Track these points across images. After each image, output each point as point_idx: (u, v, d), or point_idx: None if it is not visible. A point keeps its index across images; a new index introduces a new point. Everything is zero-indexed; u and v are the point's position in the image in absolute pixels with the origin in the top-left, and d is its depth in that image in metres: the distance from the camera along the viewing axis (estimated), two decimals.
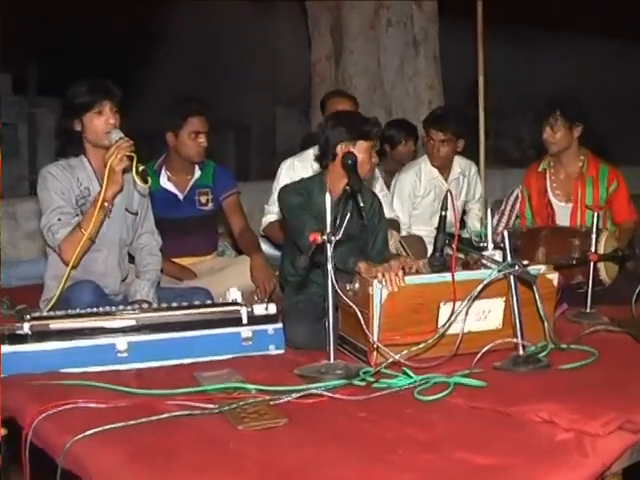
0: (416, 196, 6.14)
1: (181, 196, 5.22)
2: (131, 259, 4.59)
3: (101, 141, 4.19)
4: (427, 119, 6.13)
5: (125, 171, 4.11)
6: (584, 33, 15.57)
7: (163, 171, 5.23)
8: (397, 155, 6.88)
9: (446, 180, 6.14)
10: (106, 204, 4.07)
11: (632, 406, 2.81)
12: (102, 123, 4.17)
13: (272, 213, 5.52)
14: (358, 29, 8.70)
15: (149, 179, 4.16)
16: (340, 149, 4.13)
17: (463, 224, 6.17)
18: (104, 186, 4.03)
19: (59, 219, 4.13)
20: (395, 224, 5.60)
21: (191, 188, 5.26)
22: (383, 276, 3.44)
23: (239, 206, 5.42)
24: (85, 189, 4.25)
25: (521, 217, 5.69)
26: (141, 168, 4.09)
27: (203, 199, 5.28)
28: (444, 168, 6.15)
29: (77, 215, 4.17)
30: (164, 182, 5.21)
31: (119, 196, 4.26)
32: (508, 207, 5.90)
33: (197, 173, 5.29)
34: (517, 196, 5.79)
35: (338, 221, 3.39)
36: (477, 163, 6.72)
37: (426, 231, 5.92)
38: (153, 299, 4.30)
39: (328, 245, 3.28)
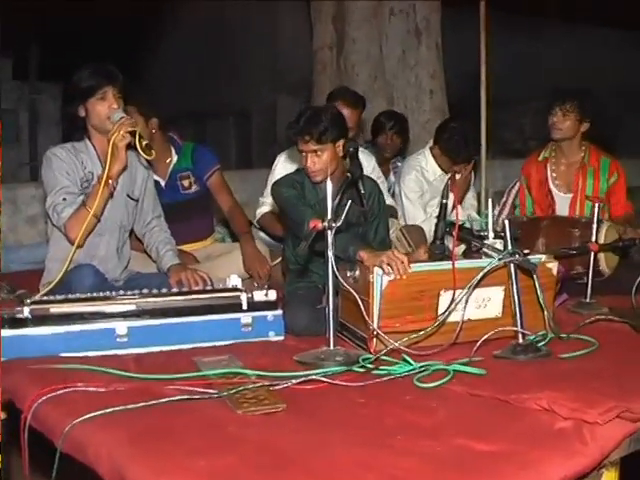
0: (425, 192, 6.09)
1: (163, 183, 5.18)
2: (136, 243, 4.61)
3: (105, 126, 4.20)
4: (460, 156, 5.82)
5: (129, 147, 4.14)
6: (588, 23, 15.55)
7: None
8: (379, 144, 6.84)
9: (447, 173, 6.08)
10: (110, 181, 4.10)
11: (631, 395, 2.80)
12: (105, 109, 4.19)
13: (266, 205, 5.49)
14: (361, 17, 8.69)
15: (153, 152, 4.18)
16: None
17: None
18: (108, 163, 4.05)
19: (64, 199, 4.17)
20: (393, 210, 5.58)
21: (171, 174, 5.24)
22: (389, 265, 3.45)
23: (223, 183, 5.37)
24: (89, 173, 4.28)
25: (521, 206, 5.66)
26: (145, 142, 4.11)
27: (185, 183, 5.26)
28: None
29: (82, 195, 4.20)
30: None
31: (121, 181, 4.29)
32: (510, 199, 5.88)
33: (175, 157, 5.27)
34: (519, 188, 5.77)
35: (339, 208, 3.39)
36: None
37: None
38: None
39: (329, 232, 3.29)
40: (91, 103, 4.22)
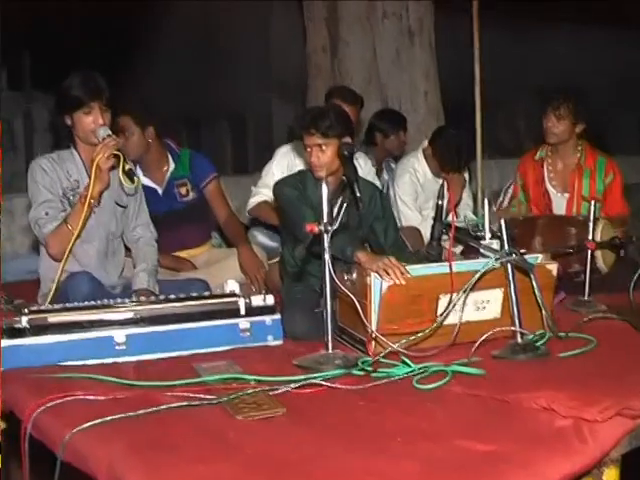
0: (419, 194, 6.06)
1: (160, 190, 5.17)
2: (128, 252, 4.60)
3: (89, 139, 4.23)
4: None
5: (112, 168, 4.16)
6: (582, 23, 15.52)
7: (137, 167, 5.07)
8: (389, 145, 6.89)
9: (435, 176, 6.05)
10: (92, 201, 4.11)
11: (630, 392, 2.80)
12: (90, 123, 4.20)
13: (260, 194, 5.41)
14: (353, 20, 8.68)
15: (135, 178, 4.24)
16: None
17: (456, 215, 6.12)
18: (91, 184, 4.08)
19: (46, 213, 4.19)
20: None
21: (168, 181, 5.21)
22: (386, 272, 3.45)
23: (220, 192, 5.36)
24: (75, 181, 4.29)
25: (515, 198, 5.66)
26: (127, 167, 4.17)
27: (183, 190, 5.23)
28: None
29: (64, 210, 4.22)
30: (141, 178, 5.09)
31: (108, 190, 4.28)
32: (506, 199, 5.88)
33: (172, 165, 5.24)
34: (513, 188, 5.77)
35: (335, 211, 3.39)
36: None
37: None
38: (153, 287, 4.33)
39: (325, 235, 3.29)
40: (77, 115, 4.22)
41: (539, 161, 5.51)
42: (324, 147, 4.03)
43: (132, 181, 4.22)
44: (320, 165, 4.03)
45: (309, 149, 4.08)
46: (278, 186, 4.28)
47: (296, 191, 4.16)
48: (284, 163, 5.36)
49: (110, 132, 4.17)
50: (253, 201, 5.47)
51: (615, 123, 15.18)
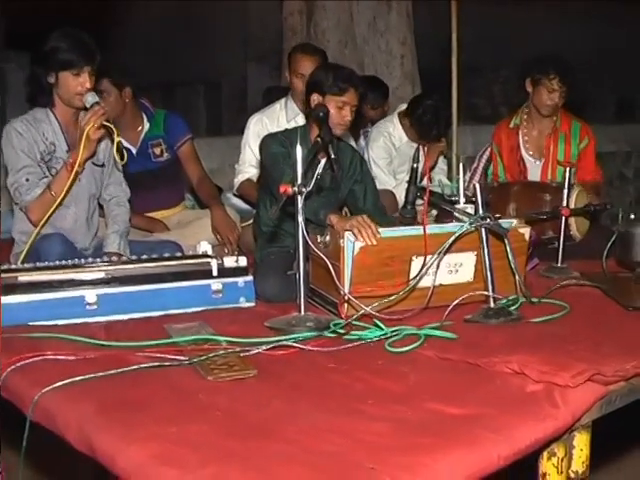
0: (393, 158, 6.06)
1: (134, 150, 5.12)
2: (101, 211, 4.56)
3: (73, 101, 4.14)
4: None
5: (101, 139, 4.12)
6: None
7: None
8: (374, 115, 6.85)
9: (415, 140, 6.05)
10: (78, 169, 4.06)
11: (602, 358, 2.81)
12: (77, 85, 4.09)
13: (244, 172, 5.44)
14: None
15: (125, 153, 4.16)
16: (312, 100, 4.14)
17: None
18: (80, 154, 4.02)
19: (27, 179, 4.12)
20: None
21: (143, 141, 5.19)
22: (359, 231, 3.43)
23: (194, 154, 5.34)
24: (50, 144, 4.21)
25: (493, 175, 5.64)
26: (117, 140, 4.09)
27: (157, 150, 5.22)
28: None
29: (45, 176, 4.16)
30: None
31: None
32: (481, 164, 5.87)
33: (146, 125, 5.22)
34: (491, 155, 5.75)
35: (312, 173, 3.37)
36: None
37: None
38: (124, 250, 4.29)
39: (299, 197, 3.27)
40: (64, 75, 4.10)
41: (514, 128, 5.48)
42: (353, 109, 4.11)
43: (122, 157, 4.15)
44: (349, 123, 4.14)
45: (342, 106, 4.08)
46: (266, 141, 4.25)
47: (283, 148, 4.12)
48: (258, 131, 5.32)
49: (98, 99, 4.11)
50: (237, 181, 5.48)
51: (592, 92, 15.20)
